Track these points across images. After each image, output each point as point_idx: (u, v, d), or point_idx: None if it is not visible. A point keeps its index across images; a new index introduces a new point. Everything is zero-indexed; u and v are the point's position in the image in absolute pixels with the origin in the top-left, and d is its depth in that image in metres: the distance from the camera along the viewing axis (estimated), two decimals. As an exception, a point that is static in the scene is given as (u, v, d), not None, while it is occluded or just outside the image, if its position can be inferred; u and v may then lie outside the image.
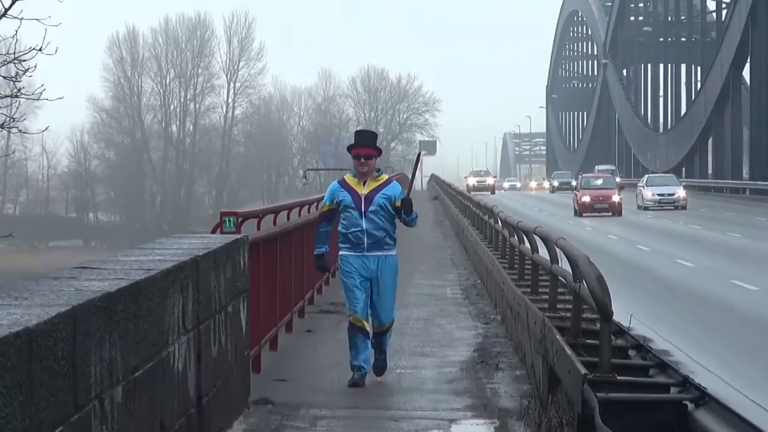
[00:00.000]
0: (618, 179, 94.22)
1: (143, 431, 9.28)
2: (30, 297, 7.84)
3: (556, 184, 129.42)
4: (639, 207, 67.62)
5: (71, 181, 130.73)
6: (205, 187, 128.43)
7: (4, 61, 22.31)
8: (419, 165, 19.59)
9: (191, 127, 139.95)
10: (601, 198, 61.90)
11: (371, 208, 14.84)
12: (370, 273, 14.95)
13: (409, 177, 16.22)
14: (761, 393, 15.62)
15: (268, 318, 18.14)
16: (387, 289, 15.04)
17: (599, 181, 69.51)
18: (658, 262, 35.73)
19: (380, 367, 15.23)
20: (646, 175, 77.35)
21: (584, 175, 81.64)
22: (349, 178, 15.17)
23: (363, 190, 14.93)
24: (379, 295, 14.97)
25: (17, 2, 19.97)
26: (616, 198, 61.85)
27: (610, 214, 60.16)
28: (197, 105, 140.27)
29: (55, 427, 7.09)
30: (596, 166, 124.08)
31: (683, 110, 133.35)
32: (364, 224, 14.86)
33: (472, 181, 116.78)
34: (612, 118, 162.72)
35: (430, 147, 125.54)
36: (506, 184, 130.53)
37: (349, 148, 15.32)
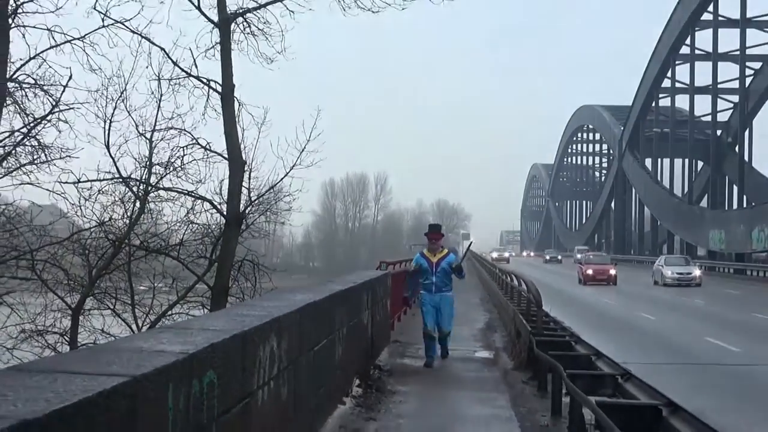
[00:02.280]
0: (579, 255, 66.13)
1: (354, 346, 9.57)
2: (311, 290, 8.33)
3: (547, 257, 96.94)
4: (656, 283, 42.32)
5: (303, 247, 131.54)
6: (363, 253, 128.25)
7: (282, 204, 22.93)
8: (469, 249, 18.46)
9: (357, 224, 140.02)
10: (601, 271, 43.44)
11: (438, 269, 12.97)
12: (436, 304, 13.03)
13: (461, 254, 14.62)
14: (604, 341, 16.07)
15: (397, 307, 18.05)
16: (446, 312, 13.06)
17: (598, 258, 48.90)
18: (603, 303, 29.32)
19: (444, 356, 13.19)
20: (663, 256, 50.22)
21: (588, 253, 57.23)
22: (426, 251, 13.22)
23: (434, 259, 13.02)
24: (442, 316, 13.02)
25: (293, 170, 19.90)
26: (613, 272, 43.63)
27: (607, 284, 42.00)
28: (360, 214, 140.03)
29: (318, 343, 7.33)
30: (576, 246, 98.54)
31: (584, 220, 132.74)
32: (434, 279, 12.96)
33: (495, 254, 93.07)
34: (551, 224, 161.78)
35: (467, 236, 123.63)
36: (505, 254, 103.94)
37: (426, 234, 13.57)
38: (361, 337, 10.65)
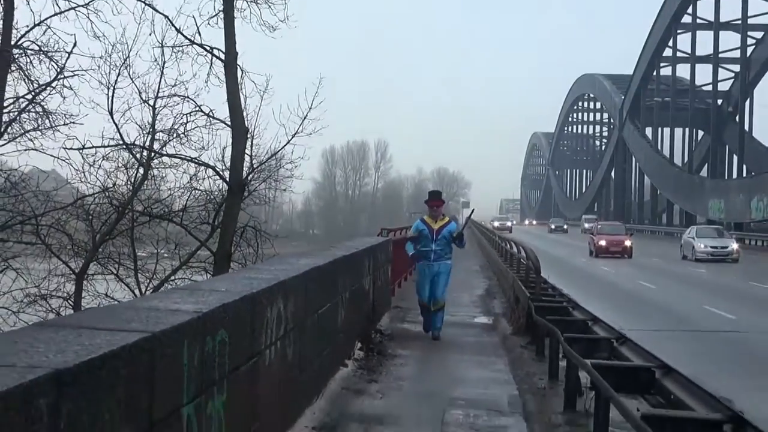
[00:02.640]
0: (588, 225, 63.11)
1: (356, 310, 9.69)
2: (315, 255, 8.52)
3: (552, 227, 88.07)
4: (685, 258, 37.54)
5: (303, 215, 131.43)
6: (363, 220, 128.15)
7: (283, 171, 22.43)
8: (470, 217, 18.41)
9: (357, 192, 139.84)
10: (615, 242, 38.98)
11: (439, 237, 12.28)
12: (433, 274, 12.28)
13: (462, 222, 14.10)
14: (599, 308, 16.12)
15: (397, 273, 18.20)
16: (441, 281, 12.30)
17: (611, 228, 43.12)
18: (604, 272, 28.73)
19: (436, 337, 12.14)
20: (694, 227, 43.43)
21: (598, 222, 50.99)
22: (426, 217, 12.51)
23: (435, 226, 12.31)
24: (437, 284, 12.26)
25: (294, 136, 19.65)
26: (628, 243, 38.80)
27: (621, 256, 37.78)
28: (360, 182, 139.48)
29: (322, 307, 7.47)
30: (583, 215, 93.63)
31: (584, 189, 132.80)
32: (434, 246, 12.25)
33: (496, 223, 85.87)
34: (551, 193, 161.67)
35: (467, 204, 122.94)
36: (508, 223, 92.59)
37: (426, 201, 12.82)
38: (363, 302, 10.80)
